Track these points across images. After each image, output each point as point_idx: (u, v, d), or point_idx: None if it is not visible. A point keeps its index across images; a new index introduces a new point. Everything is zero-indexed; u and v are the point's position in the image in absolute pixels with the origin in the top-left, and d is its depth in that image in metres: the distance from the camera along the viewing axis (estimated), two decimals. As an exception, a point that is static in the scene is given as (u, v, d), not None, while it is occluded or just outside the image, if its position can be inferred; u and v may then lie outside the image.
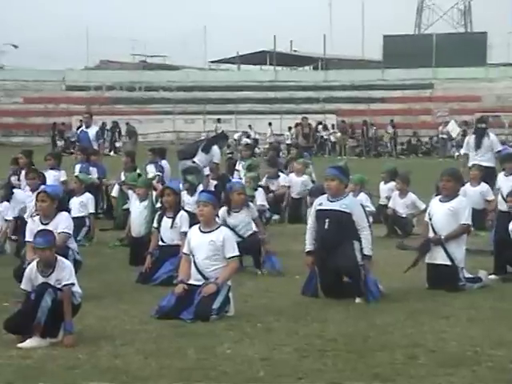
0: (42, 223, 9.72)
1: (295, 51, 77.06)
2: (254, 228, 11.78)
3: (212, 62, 74.82)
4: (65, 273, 7.85)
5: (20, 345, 7.57)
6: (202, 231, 9.07)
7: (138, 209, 12.50)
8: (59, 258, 7.99)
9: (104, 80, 62.13)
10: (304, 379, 6.70)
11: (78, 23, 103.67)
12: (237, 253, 9.05)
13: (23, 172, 15.57)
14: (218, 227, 9.13)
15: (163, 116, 58.37)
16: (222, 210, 11.42)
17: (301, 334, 8.10)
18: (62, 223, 9.81)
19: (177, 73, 67.00)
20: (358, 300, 9.52)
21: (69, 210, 10.42)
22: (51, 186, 11.18)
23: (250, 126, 53.38)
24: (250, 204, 12.04)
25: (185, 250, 9.20)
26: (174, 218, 10.97)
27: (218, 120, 51.59)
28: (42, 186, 10.86)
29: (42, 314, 7.62)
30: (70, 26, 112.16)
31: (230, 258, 8.95)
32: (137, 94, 61.51)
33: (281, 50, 70.35)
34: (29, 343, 7.58)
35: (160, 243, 11.03)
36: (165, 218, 11.04)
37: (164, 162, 18.33)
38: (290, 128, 50.51)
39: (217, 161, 16.47)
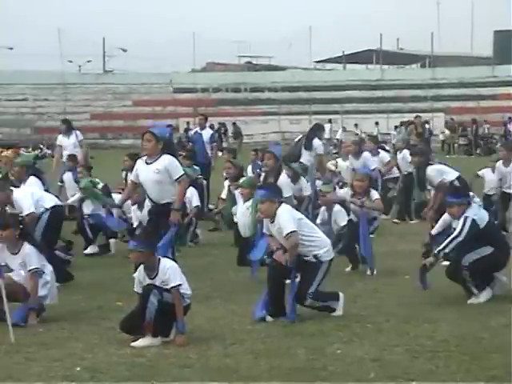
0: (147, 163, 10.14)
1: (402, 49, 76.25)
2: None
3: (317, 61, 74.70)
4: (167, 276, 7.87)
5: (133, 344, 7.69)
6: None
7: (242, 209, 12.53)
8: (162, 260, 7.98)
9: (210, 82, 62.78)
10: (416, 381, 6.60)
11: (184, 27, 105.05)
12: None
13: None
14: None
15: (268, 117, 58.58)
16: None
17: (411, 334, 7.98)
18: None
19: (282, 73, 67.11)
20: (470, 301, 9.34)
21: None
22: (158, 128, 11.12)
23: (356, 125, 53.11)
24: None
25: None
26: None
27: (329, 120, 51.41)
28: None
29: (150, 314, 7.72)
30: (177, 30, 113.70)
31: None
32: (242, 95, 61.92)
33: (387, 49, 69.70)
34: (141, 342, 7.70)
35: None
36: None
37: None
38: (396, 127, 50.00)
39: (321, 152, 16.30)
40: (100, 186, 14.09)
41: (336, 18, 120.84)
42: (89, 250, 13.52)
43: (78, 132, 18.60)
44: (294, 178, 13.33)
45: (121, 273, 10.63)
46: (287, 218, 8.65)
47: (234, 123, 53.68)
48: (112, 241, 13.77)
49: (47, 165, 19.59)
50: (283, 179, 10.89)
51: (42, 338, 8.09)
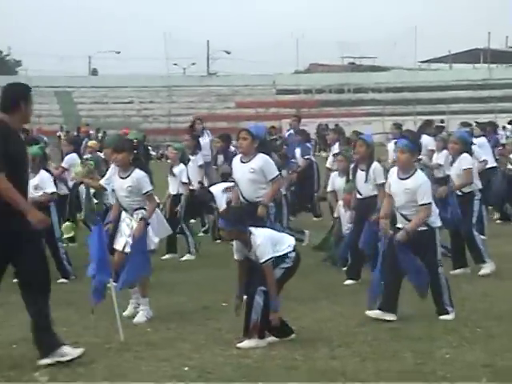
0: (243, 162, 10.18)
1: (511, 47, 74.62)
2: None
3: (422, 61, 73.85)
4: (258, 253, 7.71)
5: (239, 345, 7.69)
6: (400, 178, 8.93)
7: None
8: (253, 237, 7.76)
9: (313, 83, 62.79)
10: (531, 388, 6.41)
11: (288, 28, 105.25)
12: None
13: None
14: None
15: (372, 118, 58.22)
16: None
17: (525, 340, 7.76)
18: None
19: (386, 74, 66.61)
20: None
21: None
22: (254, 127, 11.15)
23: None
24: None
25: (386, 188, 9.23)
26: (367, 171, 10.84)
27: (441, 121, 50.61)
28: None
29: (256, 314, 7.71)
30: (281, 32, 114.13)
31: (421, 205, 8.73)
32: (345, 96, 61.70)
33: (495, 47, 68.33)
34: (247, 343, 7.70)
35: (358, 196, 11.02)
36: (359, 171, 10.96)
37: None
38: (503, 127, 48.89)
39: (432, 147, 16.08)
40: None
41: (442, 18, 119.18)
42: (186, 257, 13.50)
43: (208, 131, 18.75)
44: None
45: (225, 273, 10.66)
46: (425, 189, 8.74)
47: (337, 125, 53.42)
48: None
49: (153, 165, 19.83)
50: (377, 166, 10.79)
51: (150, 338, 8.19)
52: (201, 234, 15.52)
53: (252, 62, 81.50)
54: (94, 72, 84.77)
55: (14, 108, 7.00)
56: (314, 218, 17.67)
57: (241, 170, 10.32)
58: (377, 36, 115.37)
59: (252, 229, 7.85)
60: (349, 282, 10.87)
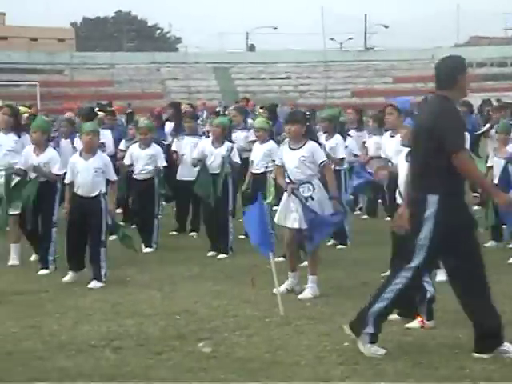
0: (392, 136, 10.48)
1: None
2: None
3: None
4: None
5: (408, 325, 7.62)
6: None
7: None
8: None
9: (474, 57, 61.09)
10: None
11: (448, 0, 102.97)
12: None
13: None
14: None
15: (537, 91, 56.28)
16: None
17: None
18: None
19: (552, 45, 64.18)
20: None
21: None
22: (400, 101, 11.09)
23: None
24: None
25: None
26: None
27: None
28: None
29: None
30: (439, 4, 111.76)
31: None
32: (509, 69, 59.83)
33: None
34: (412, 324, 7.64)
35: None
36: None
37: None
38: None
39: None
40: None
41: None
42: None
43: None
44: None
45: (384, 251, 10.57)
46: None
47: (499, 99, 51.86)
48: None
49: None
50: None
51: (310, 312, 8.23)
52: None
53: (410, 35, 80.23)
54: (252, 48, 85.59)
55: (452, 83, 6.70)
56: None
57: (389, 144, 10.33)
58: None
59: None
60: None
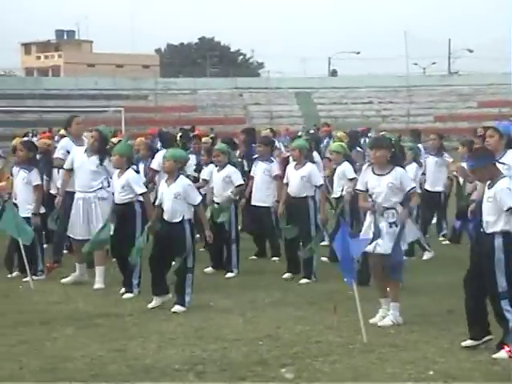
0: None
1: None
2: None
3: None
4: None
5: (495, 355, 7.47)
6: None
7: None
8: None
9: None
10: None
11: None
12: None
13: None
14: None
15: None
16: None
17: None
18: None
19: None
20: None
21: None
22: (501, 125, 10.57)
23: None
24: None
25: None
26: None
27: None
28: None
29: None
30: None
31: None
32: None
33: None
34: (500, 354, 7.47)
35: None
36: None
37: None
38: None
39: None
40: None
41: None
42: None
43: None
44: None
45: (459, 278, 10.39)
46: None
47: None
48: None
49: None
50: None
51: (393, 340, 8.14)
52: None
53: (495, 59, 79.26)
54: (334, 73, 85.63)
55: None
56: None
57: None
58: None
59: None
60: None
